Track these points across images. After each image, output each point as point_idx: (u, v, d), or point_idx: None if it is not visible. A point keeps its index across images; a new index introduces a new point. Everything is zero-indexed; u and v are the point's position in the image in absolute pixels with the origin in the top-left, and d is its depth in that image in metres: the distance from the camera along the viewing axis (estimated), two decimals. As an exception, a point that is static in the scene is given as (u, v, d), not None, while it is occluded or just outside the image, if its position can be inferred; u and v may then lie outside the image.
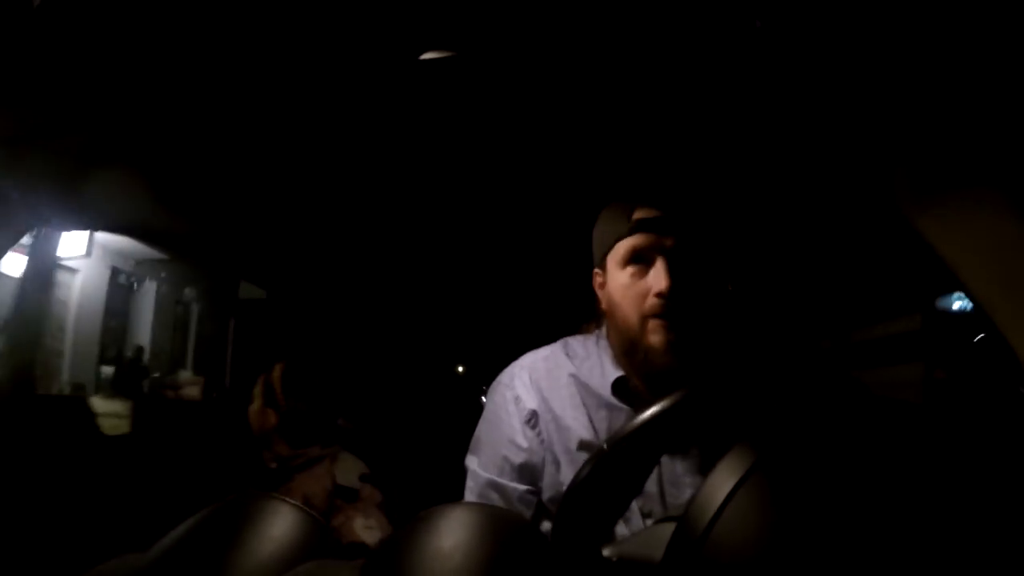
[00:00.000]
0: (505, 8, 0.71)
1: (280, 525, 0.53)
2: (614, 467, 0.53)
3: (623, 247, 0.77)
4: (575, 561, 0.55)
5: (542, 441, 0.80)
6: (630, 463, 0.54)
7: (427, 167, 1.22)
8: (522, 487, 0.80)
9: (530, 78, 0.89)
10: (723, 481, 0.44)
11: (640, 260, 0.76)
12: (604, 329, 0.86)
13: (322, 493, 1.03)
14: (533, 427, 0.81)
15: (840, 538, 0.41)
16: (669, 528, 0.46)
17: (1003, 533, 0.40)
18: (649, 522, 0.71)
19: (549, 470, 0.80)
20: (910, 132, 0.64)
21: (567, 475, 0.76)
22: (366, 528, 1.01)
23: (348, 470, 1.10)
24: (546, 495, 0.80)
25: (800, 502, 0.44)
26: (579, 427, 0.78)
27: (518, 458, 0.81)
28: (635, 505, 0.74)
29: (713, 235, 0.78)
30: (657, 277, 0.73)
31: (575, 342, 0.88)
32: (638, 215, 0.77)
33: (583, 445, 0.77)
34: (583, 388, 0.81)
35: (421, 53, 0.76)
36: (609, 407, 0.79)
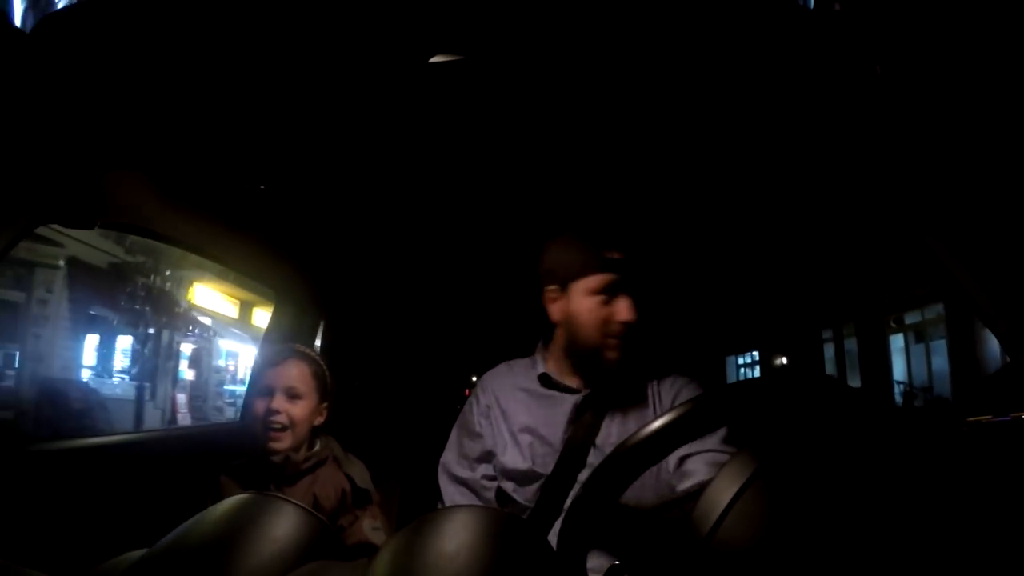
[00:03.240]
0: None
1: (284, 525, 0.53)
2: (630, 464, 0.54)
3: (596, 280, 0.96)
4: (581, 558, 0.55)
5: (493, 428, 1.04)
6: (640, 464, 0.55)
7: (427, 175, 1.21)
8: (479, 472, 1.02)
9: (528, 96, 0.88)
10: (726, 487, 0.45)
11: (607, 291, 0.96)
12: (543, 342, 1.10)
13: (334, 494, 1.02)
14: (486, 417, 1.05)
15: (839, 544, 0.42)
16: None
17: (996, 537, 0.40)
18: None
19: (499, 451, 1.02)
20: (928, 164, 0.65)
21: (512, 453, 1.00)
22: (373, 530, 1.01)
23: (360, 472, 1.10)
24: (500, 473, 1.01)
25: (801, 508, 0.44)
26: (520, 414, 1.03)
27: (477, 444, 1.04)
28: None
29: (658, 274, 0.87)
30: (624, 309, 0.95)
31: (537, 354, 1.12)
32: (611, 255, 0.96)
33: (523, 428, 1.01)
34: (525, 387, 1.06)
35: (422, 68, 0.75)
36: (540, 397, 1.04)
